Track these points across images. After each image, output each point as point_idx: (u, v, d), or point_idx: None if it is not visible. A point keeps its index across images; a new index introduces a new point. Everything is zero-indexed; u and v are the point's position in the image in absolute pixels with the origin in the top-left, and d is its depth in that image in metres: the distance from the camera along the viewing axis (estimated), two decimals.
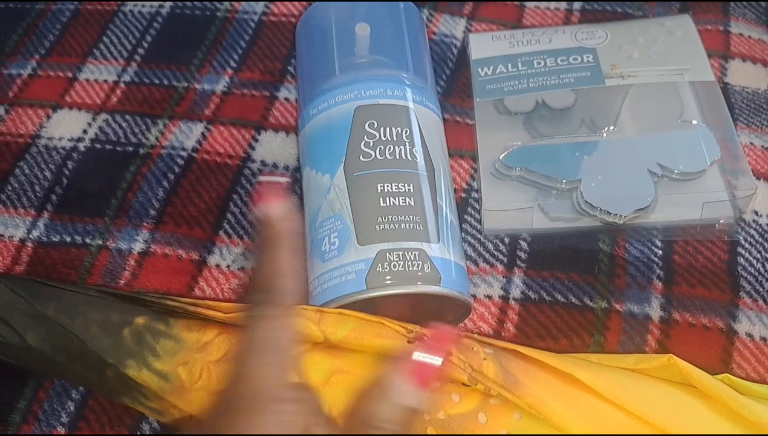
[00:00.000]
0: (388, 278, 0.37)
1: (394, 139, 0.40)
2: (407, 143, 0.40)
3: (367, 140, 0.40)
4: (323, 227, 0.39)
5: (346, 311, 0.38)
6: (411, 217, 0.38)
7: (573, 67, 0.49)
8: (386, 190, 0.38)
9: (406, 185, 0.39)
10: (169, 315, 0.38)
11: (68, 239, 0.45)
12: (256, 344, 0.27)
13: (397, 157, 0.39)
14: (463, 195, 0.46)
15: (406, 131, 0.40)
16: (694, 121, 0.46)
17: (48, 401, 0.40)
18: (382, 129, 0.40)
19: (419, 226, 0.38)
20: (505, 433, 0.35)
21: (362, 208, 0.38)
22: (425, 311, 0.40)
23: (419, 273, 0.37)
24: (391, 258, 0.37)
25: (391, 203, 0.38)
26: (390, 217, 0.38)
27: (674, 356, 0.36)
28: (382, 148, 0.39)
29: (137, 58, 0.53)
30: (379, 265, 0.37)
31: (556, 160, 0.45)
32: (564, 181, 0.44)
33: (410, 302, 0.38)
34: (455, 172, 0.47)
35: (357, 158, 0.39)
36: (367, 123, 0.40)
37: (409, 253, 0.37)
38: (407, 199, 0.38)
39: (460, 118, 0.49)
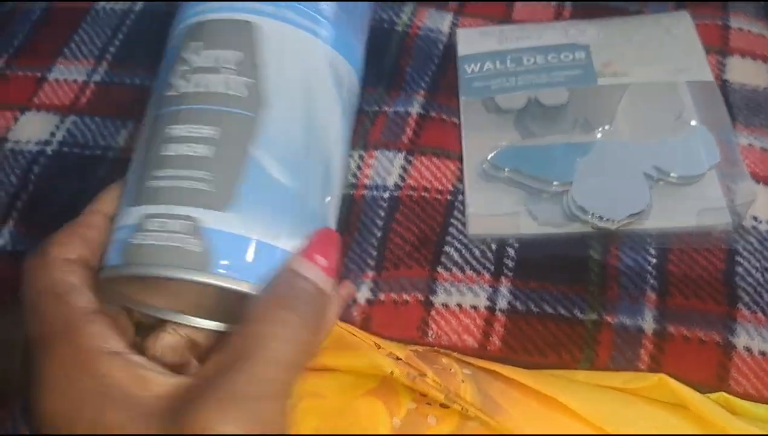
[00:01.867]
0: (140, 253, 0.28)
1: (214, 66, 0.30)
2: (232, 72, 0.30)
3: (181, 69, 0.31)
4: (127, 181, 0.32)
5: None
6: (197, 173, 0.28)
7: (564, 65, 0.47)
8: (174, 135, 0.29)
9: (206, 128, 0.29)
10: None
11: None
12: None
13: (212, 89, 0.30)
14: (448, 197, 0.44)
15: (236, 55, 0.30)
16: (693, 123, 0.44)
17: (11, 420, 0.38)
18: (204, 52, 0.31)
19: (204, 185, 0.28)
20: None
21: (145, 158, 0.30)
22: (216, 293, 0.30)
23: (180, 251, 0.28)
24: (151, 227, 0.28)
25: (175, 152, 0.29)
26: (168, 170, 0.29)
27: (665, 376, 0.35)
28: (197, 79, 0.30)
29: (108, 57, 0.52)
30: (137, 234, 0.28)
31: (548, 161, 0.44)
32: (555, 183, 0.43)
33: (182, 285, 0.29)
34: (440, 173, 0.45)
35: (161, 93, 0.31)
36: (192, 46, 0.31)
37: (174, 221, 0.28)
38: (201, 147, 0.29)
39: (446, 117, 0.48)
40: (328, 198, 0.32)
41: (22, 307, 0.29)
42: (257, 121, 0.29)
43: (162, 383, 0.26)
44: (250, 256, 0.28)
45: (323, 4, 0.33)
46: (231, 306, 0.30)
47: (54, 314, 0.28)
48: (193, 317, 0.31)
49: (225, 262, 0.28)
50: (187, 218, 0.28)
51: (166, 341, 0.33)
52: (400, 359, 0.35)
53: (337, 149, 0.32)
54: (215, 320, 0.32)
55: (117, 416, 0.25)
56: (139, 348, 0.33)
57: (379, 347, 0.36)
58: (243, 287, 0.28)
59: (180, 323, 0.32)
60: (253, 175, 0.29)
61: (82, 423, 0.26)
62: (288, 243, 0.29)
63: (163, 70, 0.32)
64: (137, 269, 0.28)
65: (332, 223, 0.32)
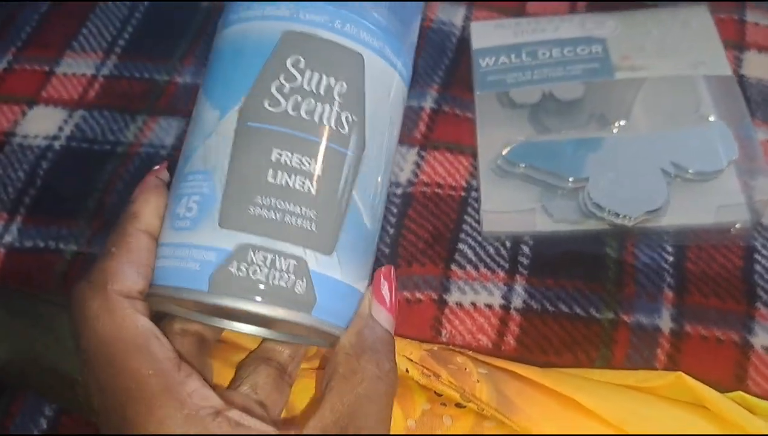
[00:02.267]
0: (240, 285, 0.26)
1: (321, 93, 0.28)
2: (337, 104, 0.28)
3: (283, 83, 0.28)
4: (188, 181, 0.29)
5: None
6: (305, 210, 0.27)
7: (581, 59, 0.47)
8: (284, 162, 0.27)
9: (314, 163, 0.27)
10: None
11: (42, 245, 0.43)
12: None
13: (317, 119, 0.28)
14: (462, 194, 0.44)
15: (342, 86, 0.28)
16: (711, 118, 0.44)
17: (20, 416, 0.38)
18: (308, 72, 0.28)
19: (312, 225, 0.27)
20: None
21: (242, 175, 0.27)
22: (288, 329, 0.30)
23: (287, 291, 0.27)
24: (255, 259, 0.26)
25: (284, 182, 0.27)
26: (275, 201, 0.27)
27: (683, 374, 0.35)
28: (299, 99, 0.28)
29: (117, 50, 0.51)
30: (235, 263, 0.26)
31: (563, 157, 0.43)
32: (571, 179, 0.42)
33: (269, 321, 0.29)
34: (454, 169, 0.44)
35: (260, 103, 0.28)
36: (291, 58, 0.28)
37: (282, 259, 0.27)
38: (309, 183, 0.27)
39: (459, 112, 0.47)
40: (378, 234, 0.32)
41: (82, 349, 0.27)
42: (357, 163, 0.29)
43: None
44: (342, 300, 0.28)
45: (400, 36, 0.31)
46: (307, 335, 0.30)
47: (145, 371, 0.26)
48: (238, 323, 0.30)
49: (325, 306, 0.27)
50: (297, 258, 0.27)
51: (176, 344, 0.32)
52: (414, 362, 0.35)
53: (388, 184, 0.32)
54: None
55: None
56: None
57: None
58: (336, 332, 0.28)
59: (190, 321, 0.32)
60: (352, 220, 0.28)
61: None
62: (362, 284, 0.29)
63: (243, 67, 0.29)
64: (234, 302, 0.26)
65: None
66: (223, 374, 0.33)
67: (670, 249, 0.41)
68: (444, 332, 0.39)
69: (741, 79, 0.47)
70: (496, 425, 0.34)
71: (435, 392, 0.35)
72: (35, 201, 0.44)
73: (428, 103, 0.47)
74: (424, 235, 0.42)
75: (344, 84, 0.28)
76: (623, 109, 0.45)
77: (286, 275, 0.27)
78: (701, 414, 0.34)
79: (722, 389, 0.35)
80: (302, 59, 0.28)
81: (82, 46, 0.51)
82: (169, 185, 0.30)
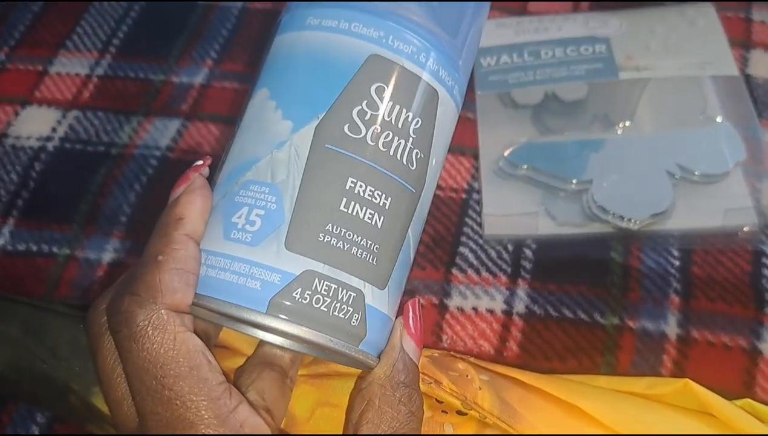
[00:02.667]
0: (300, 312, 0.26)
1: (399, 126, 0.27)
2: (411, 140, 0.28)
3: (365, 109, 0.27)
4: (249, 190, 0.27)
5: None
6: (370, 243, 0.27)
7: (584, 58, 0.46)
8: (357, 192, 0.27)
9: (384, 196, 0.27)
10: None
11: (35, 248, 0.42)
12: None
13: (391, 153, 0.27)
14: (463, 196, 0.43)
15: (417, 123, 0.28)
16: (718, 119, 0.43)
17: (11, 426, 0.37)
18: (390, 103, 0.27)
19: (374, 258, 0.27)
20: None
21: (315, 199, 0.27)
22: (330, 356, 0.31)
23: (343, 323, 0.26)
24: (319, 288, 0.26)
25: (355, 212, 0.27)
26: (345, 231, 0.27)
27: (690, 381, 0.34)
28: (378, 130, 0.27)
29: (112, 49, 0.50)
30: (299, 289, 0.26)
31: (566, 158, 0.43)
32: (574, 181, 0.42)
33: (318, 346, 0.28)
34: (455, 170, 0.44)
35: (340, 126, 0.27)
36: (375, 85, 0.27)
37: (344, 291, 0.26)
38: (377, 216, 0.27)
39: (460, 112, 0.46)
40: None
41: (127, 368, 0.26)
42: (417, 201, 0.28)
43: None
44: (385, 332, 0.28)
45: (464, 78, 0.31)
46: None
47: (197, 398, 0.25)
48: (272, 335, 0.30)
49: (372, 339, 0.27)
50: (357, 290, 0.27)
51: (267, 375, 0.32)
52: None
53: None
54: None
55: None
56: None
57: None
58: (372, 363, 0.28)
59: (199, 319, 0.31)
60: (404, 255, 0.28)
61: None
62: (392, 312, 0.29)
63: (324, 81, 0.28)
64: (291, 328, 0.26)
65: None
66: None
67: (676, 253, 0.41)
68: (445, 337, 0.38)
69: (747, 79, 0.47)
70: (498, 433, 0.33)
71: (436, 399, 0.34)
72: (28, 203, 0.44)
73: None
74: (424, 238, 0.41)
75: (419, 120, 0.28)
76: (628, 110, 0.44)
77: (345, 306, 0.26)
78: (708, 422, 0.33)
79: (730, 395, 0.35)
80: (386, 87, 0.27)
81: (76, 45, 0.50)
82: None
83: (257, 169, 0.27)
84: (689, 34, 0.46)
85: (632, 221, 0.40)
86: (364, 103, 0.27)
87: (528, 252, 0.41)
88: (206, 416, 0.25)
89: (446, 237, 0.41)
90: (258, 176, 0.27)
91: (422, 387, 0.33)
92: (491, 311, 0.39)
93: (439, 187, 0.43)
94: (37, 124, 0.47)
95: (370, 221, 0.27)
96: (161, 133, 0.46)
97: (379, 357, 0.28)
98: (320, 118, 0.27)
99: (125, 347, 0.25)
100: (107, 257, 0.42)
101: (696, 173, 0.41)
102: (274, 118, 0.28)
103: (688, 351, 0.37)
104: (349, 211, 0.27)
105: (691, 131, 0.43)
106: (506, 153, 0.43)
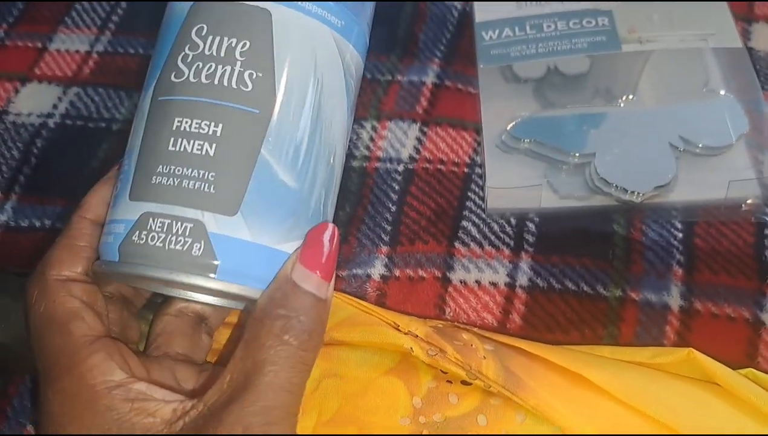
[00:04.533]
0: (140, 252, 0.27)
1: (222, 55, 0.28)
2: (240, 63, 0.28)
3: (188, 53, 0.29)
4: (122, 162, 0.30)
5: (340, 296, 0.36)
6: (203, 172, 0.27)
7: (586, 31, 0.46)
8: (183, 128, 0.28)
9: (213, 125, 0.28)
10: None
11: (37, 224, 0.42)
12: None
13: (216, 81, 0.28)
14: (465, 170, 0.43)
15: (244, 45, 0.28)
16: (721, 92, 0.43)
17: (18, 397, 0.37)
18: (210, 38, 0.29)
19: (210, 187, 0.27)
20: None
21: (150, 148, 0.28)
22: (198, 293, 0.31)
23: (183, 255, 0.27)
24: (153, 226, 0.27)
25: (182, 148, 0.28)
26: (173, 167, 0.28)
27: (694, 350, 0.34)
28: (201, 65, 0.28)
29: (111, 26, 0.50)
30: (137, 232, 0.27)
31: (569, 131, 0.43)
32: (577, 154, 0.42)
33: (171, 284, 0.29)
34: (457, 145, 0.43)
35: (169, 76, 0.29)
36: (196, 28, 0.29)
37: (178, 223, 0.27)
38: (208, 145, 0.28)
39: (462, 87, 0.46)
40: (331, 196, 0.31)
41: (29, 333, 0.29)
42: (264, 119, 0.28)
43: (164, 411, 0.26)
44: (254, 261, 0.28)
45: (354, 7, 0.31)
46: (237, 300, 0.30)
47: (57, 347, 0.27)
48: (191, 293, 0.31)
49: (229, 267, 0.27)
50: (193, 221, 0.27)
51: (174, 326, 0.32)
52: (419, 337, 0.34)
53: (340, 143, 0.31)
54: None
55: None
56: (143, 336, 0.33)
57: (398, 326, 0.34)
58: (245, 293, 0.28)
59: (188, 301, 0.31)
60: (260, 178, 0.28)
61: None
62: (292, 246, 0.28)
63: (162, 45, 0.30)
64: (136, 269, 0.27)
65: (330, 217, 0.31)
66: None
67: (679, 225, 0.40)
68: (448, 310, 0.38)
69: (750, 52, 0.46)
70: (502, 403, 0.33)
71: (441, 370, 0.34)
72: (30, 180, 0.44)
73: (430, 78, 0.46)
74: (426, 212, 0.41)
75: (247, 42, 0.28)
76: (630, 83, 0.44)
77: (182, 238, 0.27)
78: (712, 391, 0.33)
79: (733, 366, 0.35)
80: (205, 26, 0.29)
81: (75, 21, 0.50)
82: None
83: (129, 142, 0.30)
84: (692, 6, 0.46)
85: (635, 193, 0.40)
86: (186, 48, 0.29)
87: (531, 225, 0.41)
88: (61, 363, 0.27)
89: (448, 211, 0.41)
90: (128, 146, 0.30)
91: (426, 359, 0.34)
92: (494, 284, 0.39)
93: (440, 161, 0.43)
94: (37, 101, 0.46)
95: (199, 152, 0.28)
96: None
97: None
98: (157, 78, 0.29)
99: (26, 316, 0.29)
100: None
101: (699, 146, 0.41)
102: (143, 93, 0.30)
103: (691, 323, 0.37)
104: (177, 149, 0.28)
105: (694, 104, 0.43)
106: (508, 127, 0.43)
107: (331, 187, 0.31)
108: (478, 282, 0.39)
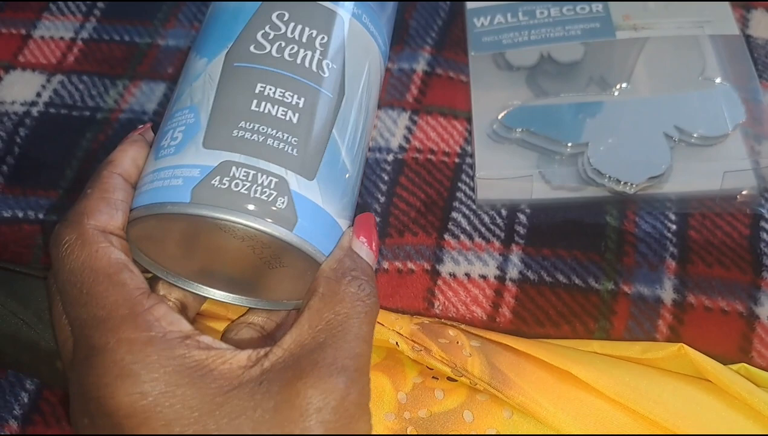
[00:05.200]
0: (223, 197, 0.27)
1: (304, 41, 0.31)
2: (319, 51, 0.31)
3: (268, 31, 0.31)
4: (174, 118, 0.30)
5: None
6: (287, 136, 0.29)
7: (580, 18, 0.45)
8: (267, 94, 0.29)
9: (296, 97, 0.30)
10: None
11: (20, 215, 0.41)
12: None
13: (299, 61, 0.30)
14: (456, 160, 0.42)
15: (323, 38, 0.31)
16: (717, 80, 0.42)
17: (0, 391, 0.37)
18: (292, 24, 0.31)
19: (293, 149, 0.29)
20: (493, 432, 0.32)
21: (227, 105, 0.29)
22: (271, 256, 0.31)
23: (267, 205, 0.28)
24: (237, 174, 0.28)
25: (267, 110, 0.29)
26: (258, 126, 0.29)
27: (686, 346, 0.33)
28: (283, 44, 0.30)
29: (96, 12, 0.49)
30: (218, 177, 0.28)
31: (562, 121, 0.42)
32: (569, 144, 0.41)
33: (251, 240, 0.29)
34: (448, 134, 0.43)
35: (247, 47, 0.30)
36: (277, 13, 0.31)
37: (264, 176, 0.28)
38: (291, 113, 0.29)
39: (453, 74, 0.45)
40: (360, 186, 0.33)
41: (57, 286, 0.28)
42: (336, 104, 0.31)
43: (240, 357, 0.26)
44: (324, 227, 0.29)
45: (381, 8, 0.35)
46: (252, 278, 0.31)
47: (113, 298, 0.26)
48: (202, 285, 0.31)
49: (307, 227, 0.28)
50: (279, 177, 0.28)
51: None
52: (404, 336, 0.33)
53: (368, 141, 0.34)
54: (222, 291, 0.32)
55: (206, 391, 0.25)
56: None
57: (381, 324, 0.34)
58: (318, 257, 0.29)
59: (174, 286, 0.32)
60: (331, 154, 0.30)
61: (173, 406, 0.25)
62: (345, 223, 0.30)
63: (232, 20, 0.31)
64: (214, 211, 0.27)
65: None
66: None
67: (672, 217, 0.40)
68: (437, 303, 0.38)
69: (748, 40, 0.45)
70: (489, 399, 0.33)
71: (427, 366, 0.34)
72: (13, 170, 0.43)
73: (420, 66, 0.45)
74: (416, 203, 0.41)
75: (325, 36, 0.31)
76: (625, 71, 0.43)
77: (267, 190, 0.28)
78: (702, 387, 0.33)
79: (726, 360, 0.34)
80: (287, 13, 0.31)
81: (60, 8, 0.49)
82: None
83: (180, 101, 0.31)
84: None
85: (628, 184, 0.39)
86: (267, 27, 0.31)
87: (522, 217, 0.40)
88: (120, 313, 0.26)
89: (438, 202, 0.41)
90: (180, 105, 0.30)
91: (412, 354, 0.33)
92: (484, 277, 0.38)
93: (430, 150, 0.42)
94: (21, 89, 0.46)
95: (283, 117, 0.29)
96: (148, 97, 0.45)
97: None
98: (228, 47, 0.31)
99: (56, 267, 0.28)
100: None
101: (694, 135, 0.40)
102: (194, 61, 0.32)
103: (684, 316, 0.37)
104: (261, 110, 0.29)
105: (689, 93, 0.42)
106: (500, 116, 0.42)
107: (360, 179, 0.33)
108: (467, 275, 0.39)
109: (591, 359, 0.33)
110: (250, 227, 0.27)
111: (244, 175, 0.28)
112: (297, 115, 0.29)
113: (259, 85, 0.29)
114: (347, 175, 0.31)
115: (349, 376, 0.26)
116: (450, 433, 0.32)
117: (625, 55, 0.44)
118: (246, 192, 0.27)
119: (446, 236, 0.40)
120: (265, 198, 0.27)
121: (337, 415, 0.26)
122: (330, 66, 0.31)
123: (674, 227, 0.39)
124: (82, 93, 0.45)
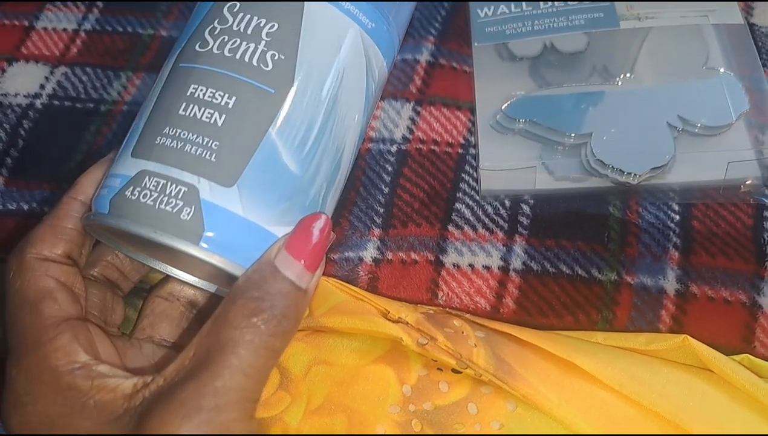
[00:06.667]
0: (129, 208, 0.27)
1: (249, 32, 0.29)
2: (264, 42, 0.29)
3: (216, 26, 0.30)
4: (132, 125, 0.31)
5: (332, 282, 0.36)
6: (207, 140, 0.28)
7: (584, 8, 0.45)
8: (197, 96, 0.28)
9: (226, 97, 0.28)
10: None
11: (25, 207, 0.41)
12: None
13: (238, 56, 0.29)
14: (459, 151, 0.42)
15: (272, 26, 0.29)
16: (721, 70, 0.42)
17: None
18: (240, 15, 0.29)
19: (212, 155, 0.27)
20: (497, 424, 0.32)
21: (161, 110, 0.29)
22: (195, 266, 0.31)
23: (172, 217, 0.27)
24: (148, 184, 0.27)
25: (192, 114, 0.28)
26: (180, 131, 0.28)
27: (689, 337, 0.33)
28: (226, 39, 0.29)
29: (99, 3, 0.49)
30: (131, 188, 0.27)
31: (565, 111, 0.42)
32: (572, 135, 0.41)
33: (170, 250, 0.28)
34: (451, 125, 0.43)
35: (193, 46, 0.30)
36: (229, 5, 0.30)
37: (173, 185, 0.27)
38: (217, 115, 0.28)
39: (456, 65, 0.45)
40: (332, 191, 0.30)
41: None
42: (278, 100, 0.28)
43: (125, 386, 0.26)
44: (245, 238, 0.27)
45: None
46: (220, 278, 0.30)
47: (26, 325, 0.27)
48: (176, 269, 0.31)
49: (214, 237, 0.27)
50: (188, 185, 0.27)
51: (162, 309, 0.32)
52: (410, 324, 0.33)
53: (351, 142, 0.31)
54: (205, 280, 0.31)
55: (85, 423, 0.25)
56: (130, 321, 0.33)
57: (387, 312, 0.34)
58: (226, 266, 0.27)
59: (182, 284, 0.32)
60: (263, 156, 0.28)
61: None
62: (282, 230, 0.28)
63: (194, 17, 0.31)
64: (121, 223, 0.27)
65: (329, 211, 0.31)
66: None
67: (676, 207, 0.40)
68: (441, 294, 0.38)
69: (752, 29, 0.45)
70: (493, 392, 0.33)
71: (432, 359, 0.34)
72: (17, 162, 0.43)
73: (424, 57, 0.45)
74: (419, 194, 0.41)
75: (276, 24, 0.29)
76: (628, 61, 0.43)
77: (174, 200, 0.27)
78: (706, 378, 0.33)
79: (729, 351, 0.34)
80: (238, 4, 0.30)
81: None
82: None
83: (142, 106, 0.30)
84: None
85: (632, 174, 0.39)
86: (216, 22, 0.30)
87: (525, 208, 0.40)
88: (26, 343, 0.27)
89: (442, 193, 0.41)
90: (140, 111, 0.30)
91: (417, 348, 0.33)
92: (488, 268, 0.39)
93: (434, 141, 0.42)
94: (24, 81, 0.46)
95: (208, 120, 0.28)
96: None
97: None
98: (181, 46, 0.30)
99: (4, 292, 0.28)
100: None
101: (698, 125, 0.40)
102: (165, 64, 0.31)
103: (687, 307, 0.37)
104: (187, 114, 0.28)
105: (693, 82, 0.42)
106: (503, 107, 0.42)
107: (333, 182, 0.30)
108: (471, 266, 0.39)
109: (595, 350, 0.33)
110: (154, 239, 0.27)
111: (153, 186, 0.27)
112: (223, 117, 0.28)
113: (192, 86, 0.29)
114: (293, 179, 0.29)
115: (201, 419, 0.24)
116: (455, 424, 0.33)
117: (628, 44, 0.43)
118: (152, 203, 0.27)
119: (450, 227, 0.40)
120: (170, 209, 0.27)
121: None
122: (276, 57, 0.29)
123: (677, 217, 0.39)
124: (85, 85, 0.45)
